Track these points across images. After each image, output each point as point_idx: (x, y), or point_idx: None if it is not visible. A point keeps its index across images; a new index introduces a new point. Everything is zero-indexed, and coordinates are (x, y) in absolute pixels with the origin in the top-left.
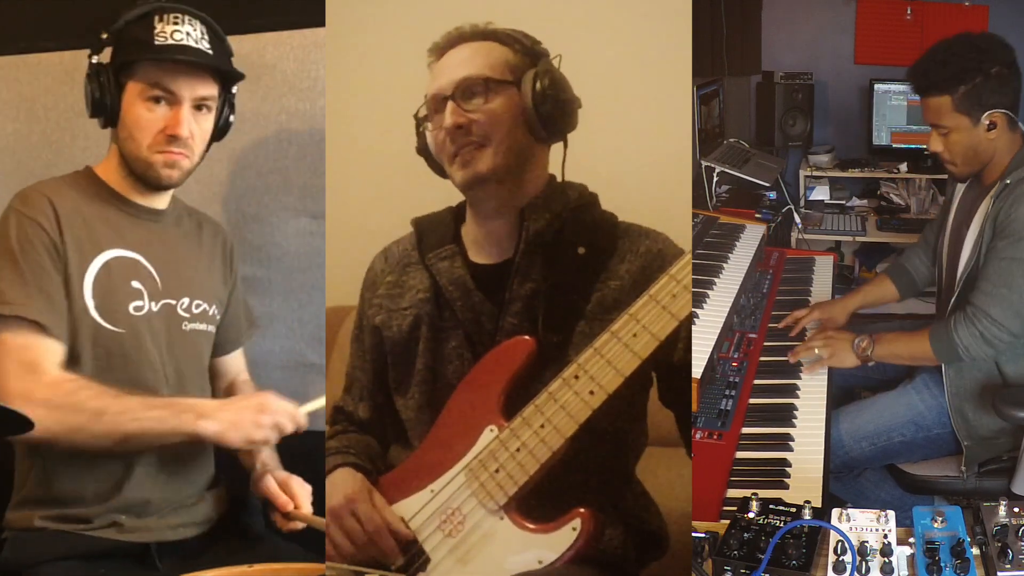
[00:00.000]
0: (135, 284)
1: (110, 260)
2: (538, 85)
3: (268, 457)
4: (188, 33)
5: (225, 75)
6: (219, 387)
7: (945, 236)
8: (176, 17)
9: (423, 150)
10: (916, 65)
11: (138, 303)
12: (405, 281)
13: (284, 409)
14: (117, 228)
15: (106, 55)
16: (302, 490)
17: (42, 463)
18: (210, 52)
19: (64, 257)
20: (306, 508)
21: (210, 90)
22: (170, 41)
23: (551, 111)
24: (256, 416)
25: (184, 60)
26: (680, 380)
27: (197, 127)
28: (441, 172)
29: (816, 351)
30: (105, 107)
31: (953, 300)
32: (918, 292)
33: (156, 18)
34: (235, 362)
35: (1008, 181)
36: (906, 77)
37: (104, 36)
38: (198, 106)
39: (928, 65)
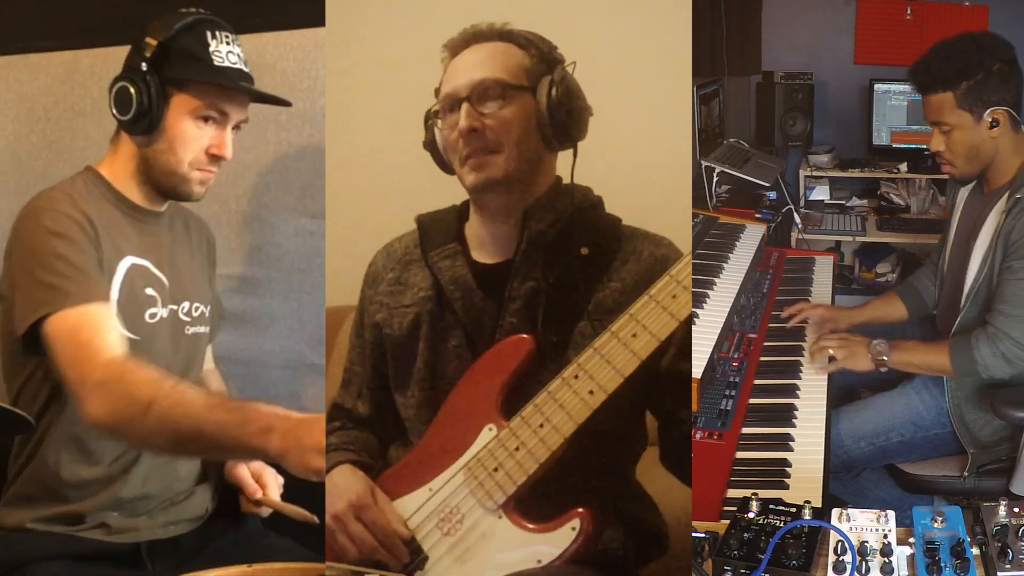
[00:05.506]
0: (149, 291)
1: (130, 267)
2: (554, 92)
3: None
4: (239, 55)
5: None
6: None
7: (947, 249)
8: (227, 36)
9: (431, 145)
10: (918, 63)
11: (153, 310)
12: (407, 279)
13: None
14: (128, 234)
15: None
16: (273, 480)
17: (39, 454)
18: (252, 75)
19: (101, 261)
20: (274, 495)
21: (247, 114)
22: (227, 63)
23: (564, 120)
24: (324, 442)
25: (253, 92)
26: (667, 386)
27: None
28: (446, 168)
29: (831, 352)
30: (149, 117)
31: (961, 316)
32: (928, 312)
33: (209, 34)
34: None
35: (1020, 196)
36: (908, 76)
37: (148, 45)
38: (236, 125)
39: (930, 62)
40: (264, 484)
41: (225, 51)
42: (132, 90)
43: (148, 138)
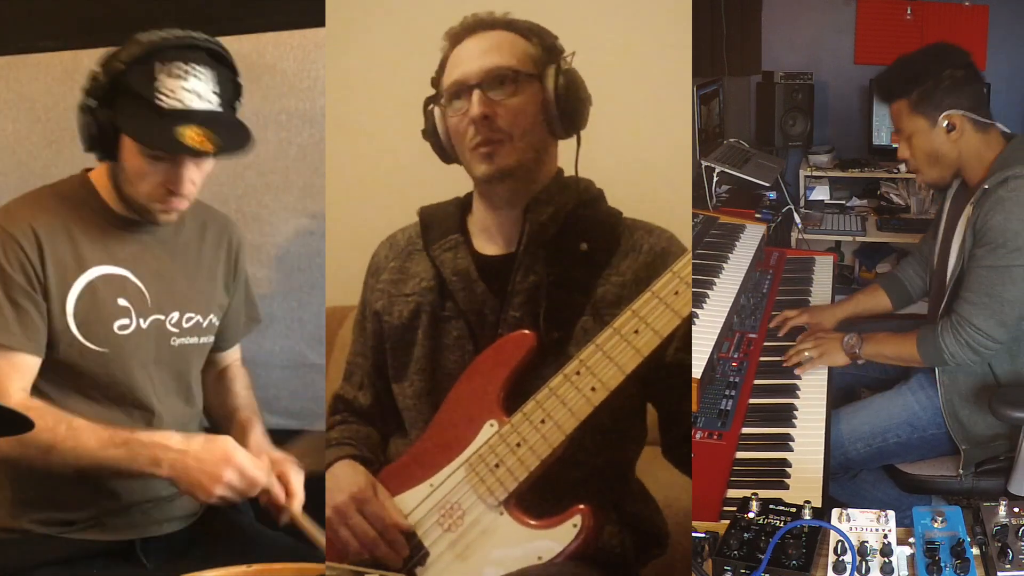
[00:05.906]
0: (121, 302)
1: (95, 279)
2: (561, 79)
3: (260, 437)
4: (195, 90)
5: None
6: (210, 375)
7: (937, 243)
8: (179, 69)
9: (431, 133)
10: (878, 76)
11: (123, 321)
12: (409, 268)
13: (249, 469)
14: (106, 244)
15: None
16: (297, 479)
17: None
18: (219, 109)
19: (43, 279)
20: (300, 498)
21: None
22: (174, 101)
23: (569, 108)
24: (217, 469)
25: (191, 152)
26: (669, 378)
27: (198, 172)
28: (446, 156)
29: (806, 353)
30: (101, 148)
31: (943, 306)
32: (911, 303)
33: (157, 66)
34: (228, 353)
35: (987, 186)
36: (872, 89)
37: (97, 79)
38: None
39: (887, 74)
40: (287, 483)
41: (174, 87)
42: (81, 121)
43: (112, 165)
